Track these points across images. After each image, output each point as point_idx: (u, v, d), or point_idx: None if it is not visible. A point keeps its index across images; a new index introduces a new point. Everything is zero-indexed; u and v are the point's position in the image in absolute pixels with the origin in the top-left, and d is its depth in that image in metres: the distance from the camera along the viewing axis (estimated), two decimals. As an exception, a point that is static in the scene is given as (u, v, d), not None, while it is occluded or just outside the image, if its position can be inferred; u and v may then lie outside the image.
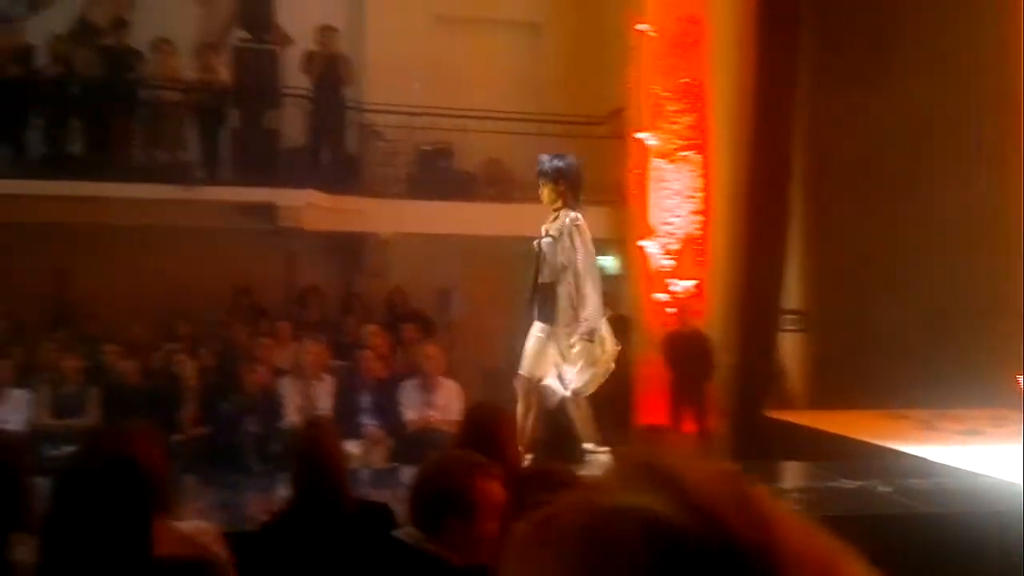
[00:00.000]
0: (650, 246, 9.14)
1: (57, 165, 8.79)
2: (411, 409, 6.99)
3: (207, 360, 7.94)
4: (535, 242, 5.34)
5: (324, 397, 6.97)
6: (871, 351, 8.19)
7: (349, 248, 9.79)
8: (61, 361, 7.16)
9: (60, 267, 9.26)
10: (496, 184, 10.10)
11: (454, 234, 9.57)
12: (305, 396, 6.84)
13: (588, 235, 5.20)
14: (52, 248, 9.26)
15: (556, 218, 5.24)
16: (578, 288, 5.09)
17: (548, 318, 5.20)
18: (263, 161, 9.06)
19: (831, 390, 8.31)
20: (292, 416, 6.71)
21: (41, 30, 9.47)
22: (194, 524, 3.35)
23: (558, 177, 5.25)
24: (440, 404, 7.02)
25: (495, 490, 2.25)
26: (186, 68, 9.18)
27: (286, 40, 9.52)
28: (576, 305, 5.09)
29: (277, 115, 9.26)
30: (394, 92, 10.43)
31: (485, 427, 2.93)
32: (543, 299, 5.23)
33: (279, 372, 7.46)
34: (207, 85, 9.05)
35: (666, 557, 0.46)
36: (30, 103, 8.84)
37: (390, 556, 2.30)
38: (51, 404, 6.95)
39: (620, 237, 9.74)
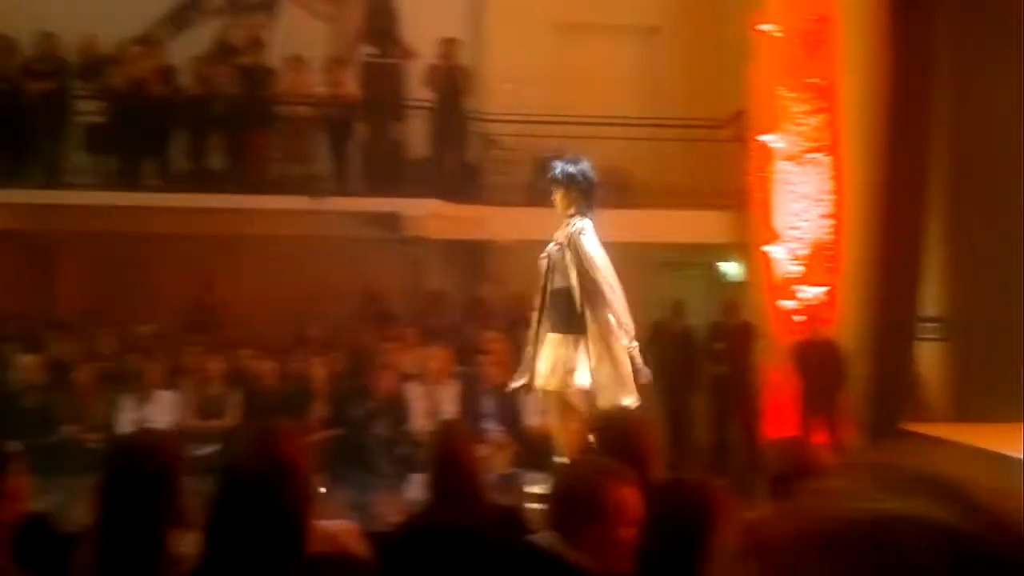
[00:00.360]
0: (776, 251, 8.89)
1: (198, 179, 9.30)
2: (532, 415, 7.03)
3: (337, 364, 8.22)
4: (545, 251, 5.21)
5: (448, 401, 7.10)
6: (1017, 359, 7.71)
7: (471, 255, 9.94)
8: (204, 365, 7.55)
9: (202, 275, 9.78)
10: (615, 190, 10.04)
11: (573, 241, 9.58)
12: (431, 400, 6.98)
13: (596, 241, 5.04)
14: (194, 257, 9.82)
15: (567, 225, 5.11)
16: (590, 296, 4.92)
17: (559, 327, 5.07)
18: (389, 172, 9.33)
19: (973, 401, 7.87)
20: (419, 420, 6.87)
21: (183, 51, 10.08)
22: (336, 523, 3.48)
23: (569, 183, 5.12)
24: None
25: (632, 498, 2.24)
26: (317, 84, 9.54)
27: (410, 53, 9.77)
28: (582, 311, 4.92)
29: (401, 127, 9.51)
30: (513, 101, 10.56)
31: (624, 435, 2.90)
32: (554, 307, 5.09)
33: (406, 377, 7.65)
34: (336, 99, 9.38)
35: (968, 568, 0.46)
36: (174, 120, 9.38)
37: (526, 561, 2.31)
38: (195, 406, 7.34)
39: (742, 242, 9.53)
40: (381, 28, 9.82)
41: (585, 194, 5.10)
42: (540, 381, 5.08)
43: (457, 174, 9.70)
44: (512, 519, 3.21)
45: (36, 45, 9.16)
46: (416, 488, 6.31)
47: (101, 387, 7.39)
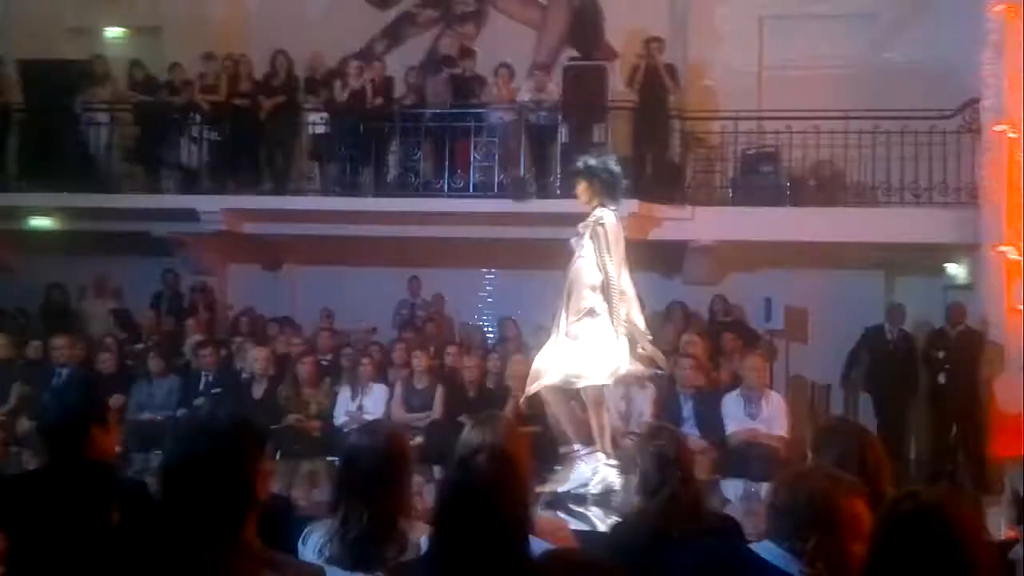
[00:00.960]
0: (1011, 252, 8.11)
1: (409, 185, 9.80)
2: (733, 421, 6.81)
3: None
4: (570, 241, 5.34)
5: (645, 404, 7.02)
6: None
7: (671, 256, 9.79)
8: (412, 360, 7.92)
9: (411, 275, 10.29)
10: (826, 187, 9.55)
11: (779, 240, 9.21)
12: (627, 402, 6.93)
13: (614, 232, 5.12)
14: (405, 258, 10.36)
15: (590, 216, 5.23)
16: (605, 286, 5.09)
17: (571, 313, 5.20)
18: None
19: None
20: (615, 422, 6.84)
21: (398, 63, 10.66)
22: (548, 518, 3.51)
23: (591, 175, 5.22)
24: (764, 417, 6.76)
25: (862, 510, 2.12)
26: (522, 89, 9.76)
27: (613, 55, 9.78)
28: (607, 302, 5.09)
29: (603, 128, 9.54)
30: (717, 97, 10.31)
31: (852, 445, 2.72)
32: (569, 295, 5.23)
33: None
34: (540, 104, 9.56)
35: None
36: (390, 129, 9.93)
37: (747, 570, 2.21)
38: (403, 399, 7.72)
39: (970, 242, 8.76)
40: (585, 32, 9.90)
41: (607, 186, 5.20)
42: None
43: (659, 173, 9.59)
44: (731, 527, 3.11)
45: (270, 63, 10.00)
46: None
47: (321, 379, 7.94)
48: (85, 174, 9.80)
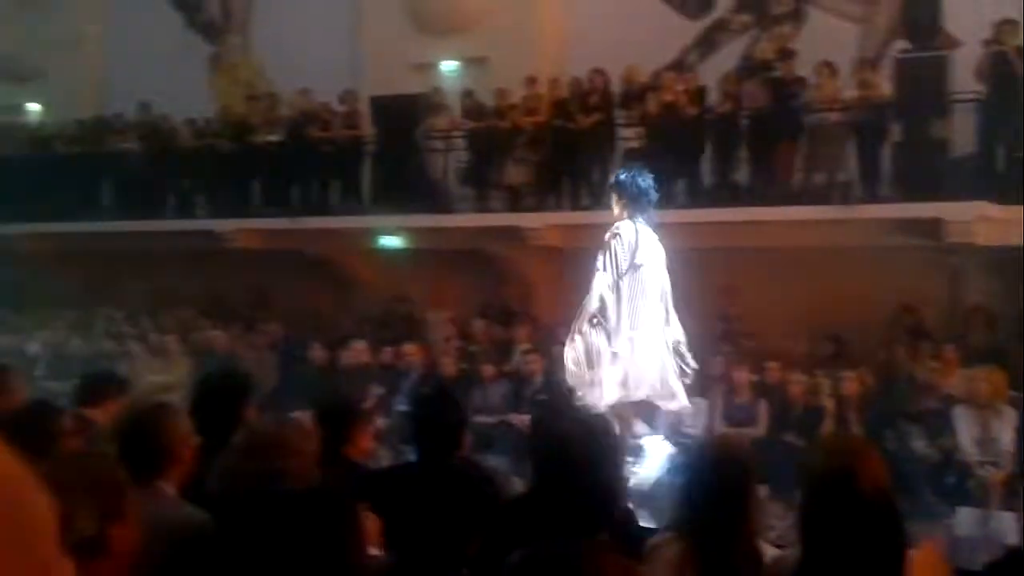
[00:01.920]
0: None
1: (724, 193, 9.63)
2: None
3: (867, 380, 7.84)
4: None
5: (1004, 430, 6.30)
6: None
7: (1020, 264, 8.68)
8: (732, 374, 7.78)
9: (727, 286, 10.08)
10: None
11: None
12: (983, 428, 6.27)
13: (624, 244, 5.16)
14: (719, 269, 10.18)
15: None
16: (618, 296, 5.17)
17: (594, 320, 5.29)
18: (928, 174, 8.61)
19: None
20: (968, 449, 6.22)
21: (712, 72, 10.53)
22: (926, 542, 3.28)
23: (620, 191, 5.38)
24: None
25: None
26: (845, 87, 9.22)
27: (953, 43, 8.91)
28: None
29: (944, 124, 8.71)
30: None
31: None
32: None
33: (949, 399, 6.99)
34: (867, 102, 8.97)
35: None
36: (704, 139, 9.85)
37: None
38: (724, 413, 7.60)
39: None
40: (918, 20, 9.12)
41: (633, 200, 5.31)
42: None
43: (1010, 172, 8.57)
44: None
45: (588, 81, 10.35)
46: (970, 524, 5.73)
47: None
48: (426, 197, 10.81)
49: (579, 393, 5.24)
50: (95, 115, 13.57)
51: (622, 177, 5.47)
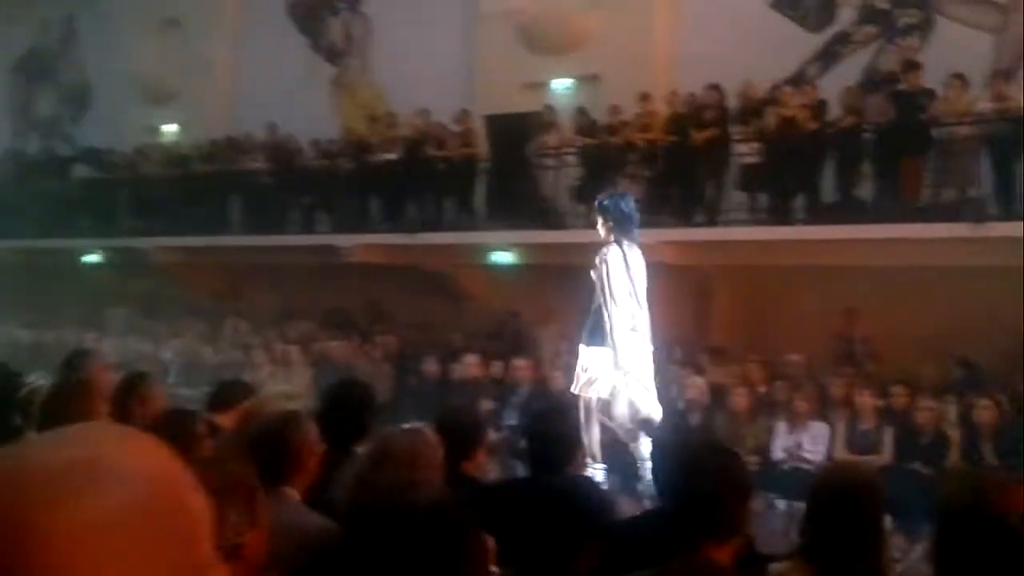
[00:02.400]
0: None
1: (846, 209, 9.30)
2: None
3: (1004, 407, 7.41)
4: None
5: None
6: None
7: None
8: (856, 398, 7.48)
9: (848, 306, 9.73)
10: None
11: None
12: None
13: (616, 265, 5.38)
14: (840, 288, 9.82)
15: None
16: (609, 314, 5.38)
17: (586, 339, 5.59)
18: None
19: None
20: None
21: (832, 85, 10.21)
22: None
23: (604, 213, 5.59)
24: None
25: None
26: (979, 100, 8.78)
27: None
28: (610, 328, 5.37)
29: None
30: None
31: None
32: (592, 323, 5.56)
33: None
34: (1001, 114, 8.52)
35: None
36: (824, 154, 9.55)
37: None
38: (847, 439, 7.31)
39: None
40: (1059, 28, 8.61)
41: (618, 224, 5.53)
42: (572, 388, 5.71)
43: None
44: None
45: (704, 96, 10.22)
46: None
47: (756, 412, 7.85)
48: (538, 214, 10.89)
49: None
50: (225, 135, 14.29)
51: (605, 202, 5.71)
